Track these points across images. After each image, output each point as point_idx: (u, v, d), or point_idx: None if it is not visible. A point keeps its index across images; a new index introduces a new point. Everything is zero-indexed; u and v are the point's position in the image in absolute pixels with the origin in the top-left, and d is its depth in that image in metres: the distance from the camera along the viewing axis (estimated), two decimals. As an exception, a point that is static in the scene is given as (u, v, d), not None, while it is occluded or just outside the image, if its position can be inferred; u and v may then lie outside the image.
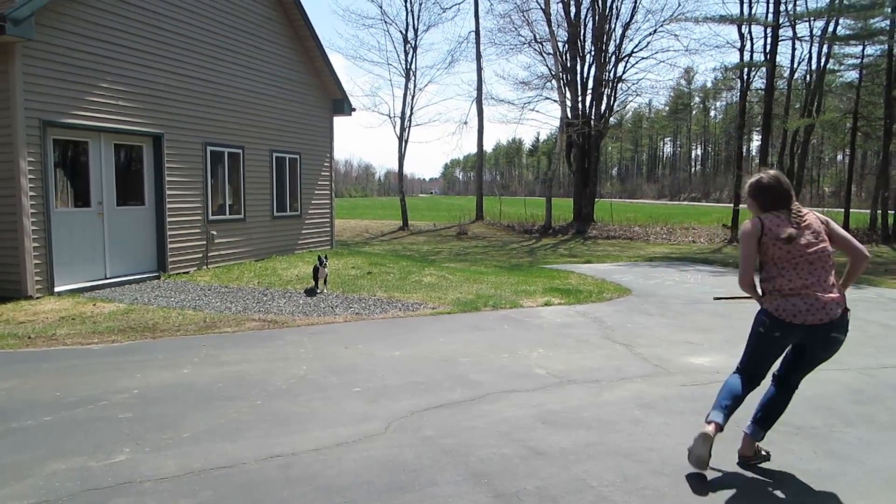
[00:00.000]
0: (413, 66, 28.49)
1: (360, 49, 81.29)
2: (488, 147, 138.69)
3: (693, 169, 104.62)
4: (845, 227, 27.15)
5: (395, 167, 31.36)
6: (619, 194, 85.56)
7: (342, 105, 15.99)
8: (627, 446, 3.96)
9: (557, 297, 9.63)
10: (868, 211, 28.07)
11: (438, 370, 5.64)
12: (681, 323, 7.94)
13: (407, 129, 28.49)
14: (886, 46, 26.50)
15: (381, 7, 56.73)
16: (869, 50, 29.14)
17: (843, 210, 28.96)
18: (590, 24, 28.82)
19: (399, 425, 4.29)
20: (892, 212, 25.19)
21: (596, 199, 31.27)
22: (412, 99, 28.52)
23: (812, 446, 4.00)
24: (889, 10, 25.72)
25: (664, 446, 3.96)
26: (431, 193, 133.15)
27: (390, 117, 29.34)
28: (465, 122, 39.34)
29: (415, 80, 28.57)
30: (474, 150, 34.59)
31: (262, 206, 13.54)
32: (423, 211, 43.81)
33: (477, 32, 31.17)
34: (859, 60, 30.15)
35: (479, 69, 31.11)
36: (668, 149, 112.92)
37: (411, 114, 28.58)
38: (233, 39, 12.37)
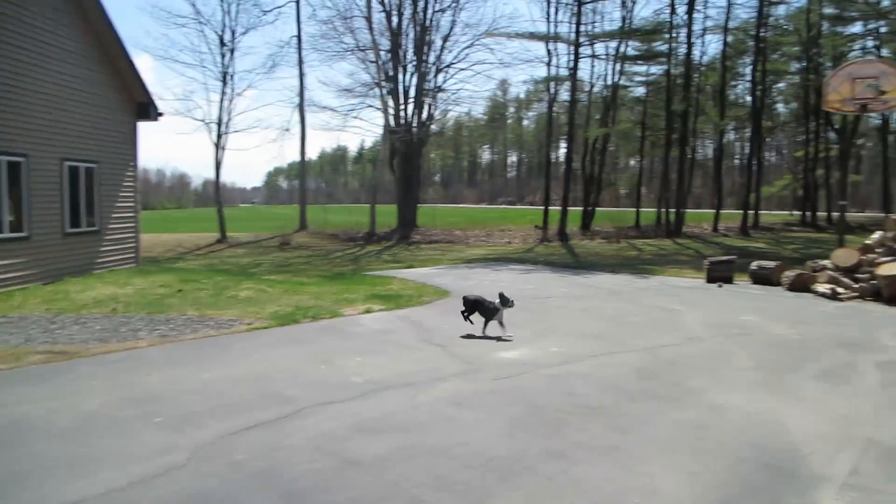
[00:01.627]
0: (231, 70, 27.40)
1: (172, 50, 75.61)
2: (312, 155, 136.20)
3: (509, 174, 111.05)
4: (636, 224, 30.38)
5: (213, 176, 29.77)
6: (442, 199, 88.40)
7: (148, 109, 14.79)
8: (441, 445, 4.07)
9: (378, 303, 9.68)
10: (655, 209, 31.62)
11: (251, 389, 5.40)
12: (510, 320, 8.33)
13: (224, 136, 27.27)
14: (666, 67, 30.12)
15: (194, 5, 53.18)
16: (653, 69, 32.98)
17: (635, 209, 32.40)
18: (411, 35, 29.54)
19: (206, 453, 4.03)
20: (673, 210, 28.57)
21: (419, 205, 32.02)
22: (230, 104, 27.35)
23: (602, 423, 4.39)
24: (667, 35, 29.31)
25: (475, 440, 4.12)
26: (253, 203, 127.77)
27: (206, 123, 27.73)
28: (288, 129, 38.18)
29: (232, 85, 27.47)
30: (298, 157, 33.95)
31: (50, 221, 12.08)
32: (244, 222, 41.93)
33: (299, 38, 30.64)
34: (645, 78, 34.00)
35: (302, 75, 30.59)
36: (486, 155, 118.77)
37: (229, 119, 27.42)
38: (13, 33, 10.91)
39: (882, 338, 6.84)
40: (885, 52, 33.72)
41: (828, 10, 33.39)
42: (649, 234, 27.14)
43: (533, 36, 28.26)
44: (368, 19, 26.75)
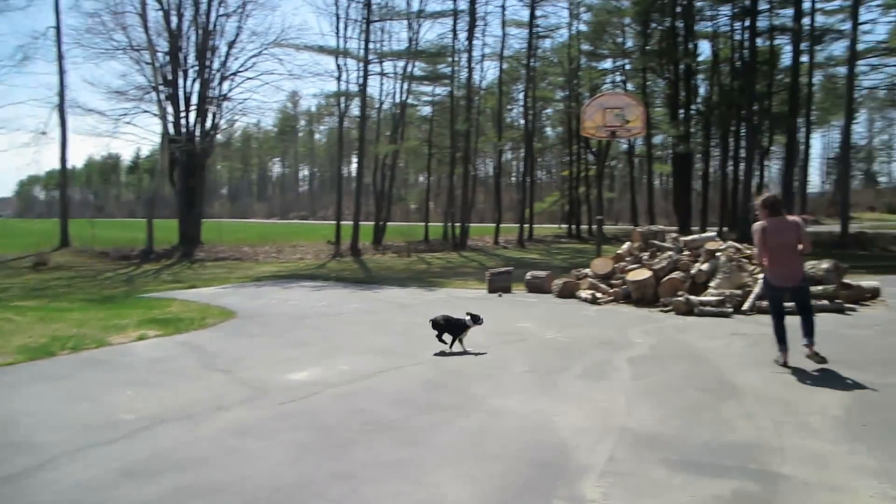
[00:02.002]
0: (-38, 63, 23.28)
1: None
2: (77, 162, 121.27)
3: (301, 188, 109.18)
4: (425, 238, 31.57)
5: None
6: (230, 214, 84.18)
7: None
8: (223, 480, 3.79)
9: (155, 328, 8.86)
10: (442, 224, 33.12)
11: (-12, 438, 4.60)
12: (284, 341, 8.07)
13: (-45, 141, 23.13)
14: (450, 88, 31.77)
15: None
16: (438, 90, 34.58)
17: (424, 223, 33.64)
18: (193, 38, 27.69)
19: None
20: (459, 224, 30.15)
21: (204, 220, 30.10)
22: (-39, 103, 23.25)
23: (391, 438, 4.43)
24: (450, 59, 30.95)
25: (260, 470, 3.91)
26: (0, 216, 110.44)
27: (-71, 124, 23.41)
28: (45, 132, 33.35)
29: (-35, 81, 23.37)
30: (59, 164, 29.91)
31: None
32: (-12, 241, 36.04)
33: (58, 29, 27.16)
34: (431, 98, 35.55)
35: (62, 72, 27.17)
36: (277, 169, 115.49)
37: (-39, 121, 23.27)
38: None
39: (632, 336, 7.81)
40: (630, 86, 39.09)
41: (585, 47, 37.82)
42: (437, 248, 28.34)
43: (323, 50, 28.14)
44: (143, 17, 24.65)
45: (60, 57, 27.13)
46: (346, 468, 3.93)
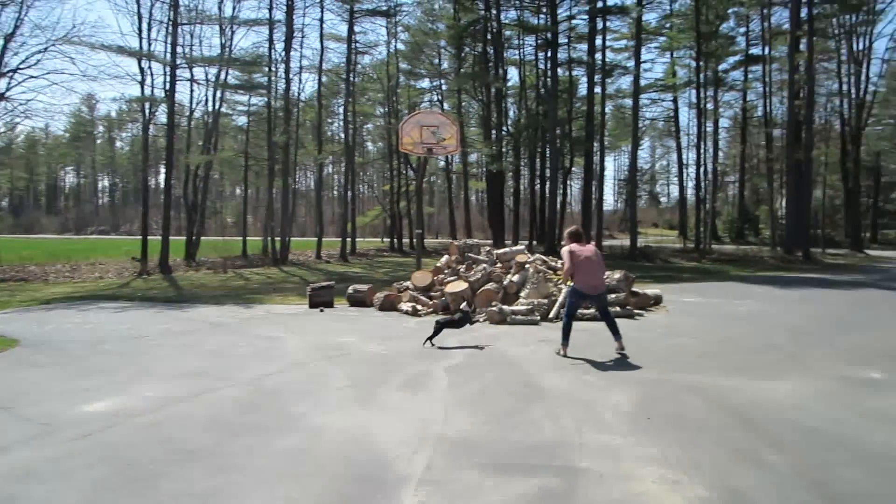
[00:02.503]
0: None
1: None
2: None
3: (101, 201, 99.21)
4: (244, 253, 30.26)
5: None
6: (11, 230, 74.15)
7: None
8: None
9: None
10: (262, 238, 31.93)
11: None
12: (78, 369, 7.26)
13: None
14: (267, 99, 30.77)
15: None
16: (255, 100, 33.34)
17: (241, 238, 32.18)
18: (-44, 29, 23.97)
19: None
20: (279, 239, 29.29)
21: (-24, 237, 26.18)
22: None
23: (203, 466, 4.16)
24: (267, 69, 30.00)
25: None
26: None
27: None
28: None
29: None
30: None
31: None
32: None
33: None
34: (247, 108, 34.18)
35: None
36: (71, 178, 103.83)
37: None
38: None
39: (449, 346, 8.10)
40: (447, 105, 40.76)
41: (403, 65, 38.82)
42: (257, 263, 27.23)
43: (123, 51, 25.78)
44: None
45: None
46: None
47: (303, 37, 33.10)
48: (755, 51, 40.28)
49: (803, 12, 29.12)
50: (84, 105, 78.26)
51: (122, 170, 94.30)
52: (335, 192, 68.76)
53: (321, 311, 11.81)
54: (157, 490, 3.81)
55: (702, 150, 36.85)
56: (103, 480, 3.98)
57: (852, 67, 38.47)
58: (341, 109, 37.86)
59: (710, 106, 36.88)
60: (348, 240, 32.78)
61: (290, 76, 30.62)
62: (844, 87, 39.29)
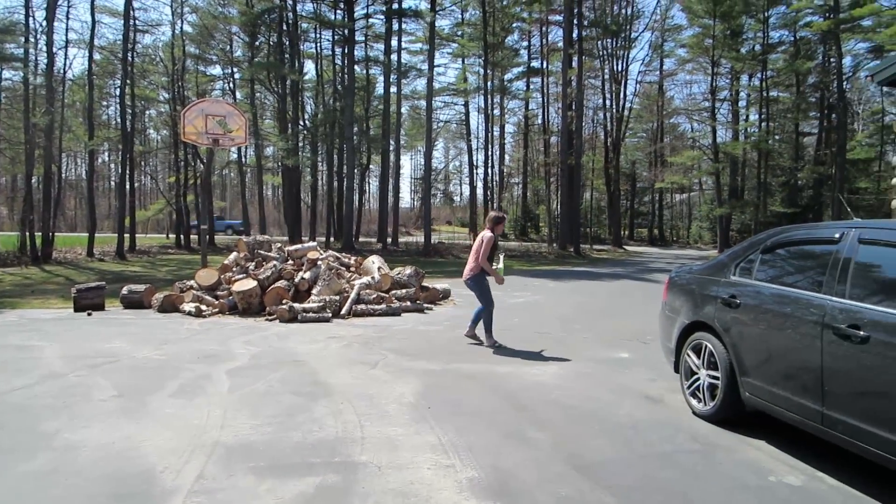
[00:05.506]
0: None
1: None
2: None
3: None
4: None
5: None
6: None
7: None
8: None
9: None
10: (17, 233, 27.82)
11: None
12: None
13: None
14: (24, 74, 26.84)
15: None
16: (8, 73, 28.89)
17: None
18: None
19: None
20: (39, 234, 25.83)
21: None
22: None
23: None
24: (23, 39, 26.16)
25: None
26: None
27: None
28: None
29: None
30: None
31: None
32: None
33: None
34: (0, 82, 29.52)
35: None
36: None
37: None
38: None
39: (234, 347, 7.73)
40: (239, 95, 38.85)
41: (191, 49, 36.19)
42: (11, 262, 23.65)
43: None
44: None
45: None
46: None
47: (69, 6, 29.42)
48: (536, 64, 44.05)
49: (574, 33, 32.45)
50: None
51: None
52: (112, 183, 62.11)
53: (89, 314, 10.60)
54: None
55: (489, 153, 39.32)
56: None
57: (613, 86, 43.73)
58: (118, 92, 34.15)
59: (496, 112, 39.57)
60: (126, 236, 29.77)
61: (54, 50, 27.04)
62: (608, 103, 44.63)
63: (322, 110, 36.82)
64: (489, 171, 39.28)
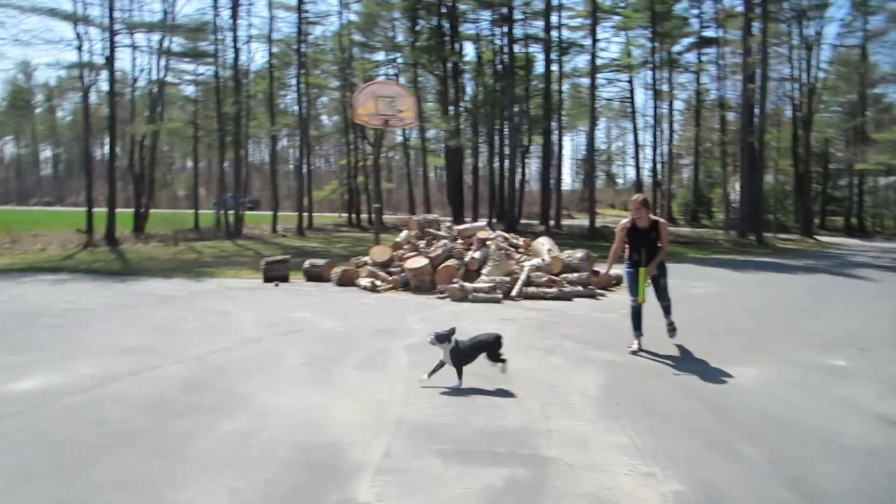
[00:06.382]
0: None
1: None
2: None
3: (44, 172, 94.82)
4: (196, 226, 29.31)
5: None
6: (-53, 201, 70.28)
7: None
8: None
9: None
10: (215, 211, 30.91)
11: None
12: (7, 344, 6.72)
13: None
14: (215, 68, 29.58)
15: None
16: (202, 69, 31.98)
17: (194, 210, 31.11)
18: None
19: None
20: (233, 212, 28.40)
21: None
22: None
23: (138, 451, 3.79)
24: (213, 36, 28.78)
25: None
26: None
27: None
28: None
29: None
30: None
31: None
32: None
33: None
34: (195, 77, 32.80)
35: None
36: (11, 149, 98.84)
37: None
38: None
39: (410, 323, 7.81)
40: (402, 79, 40.00)
41: (357, 37, 37.81)
42: (209, 237, 26.34)
43: (56, 14, 24.28)
44: None
45: None
46: (77, 493, 3.27)
47: (250, 4, 31.89)
48: (709, 33, 40.60)
49: (756, -6, 29.30)
50: (20, 72, 74.09)
51: (65, 140, 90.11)
52: (290, 166, 67.20)
53: (276, 285, 11.36)
54: (84, 477, 3.44)
55: (657, 132, 37.02)
56: (25, 466, 3.59)
57: (803, 52, 39.12)
58: (294, 81, 36.61)
59: (665, 87, 37.05)
60: (305, 214, 32.00)
61: (239, 45, 29.50)
62: (796, 72, 39.98)
63: (482, 91, 36.86)
64: (656, 151, 37.06)
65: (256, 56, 67.11)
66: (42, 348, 6.54)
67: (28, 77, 76.75)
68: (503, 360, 5.29)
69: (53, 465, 3.61)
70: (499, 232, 12.08)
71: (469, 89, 40.50)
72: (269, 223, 30.89)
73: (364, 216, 39.15)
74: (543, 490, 3.34)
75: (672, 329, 6.64)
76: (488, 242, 10.88)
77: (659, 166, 42.19)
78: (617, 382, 5.37)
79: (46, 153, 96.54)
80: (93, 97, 29.23)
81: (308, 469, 3.54)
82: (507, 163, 32.49)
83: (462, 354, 5.16)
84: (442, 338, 5.12)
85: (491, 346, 5.27)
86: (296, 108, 38.87)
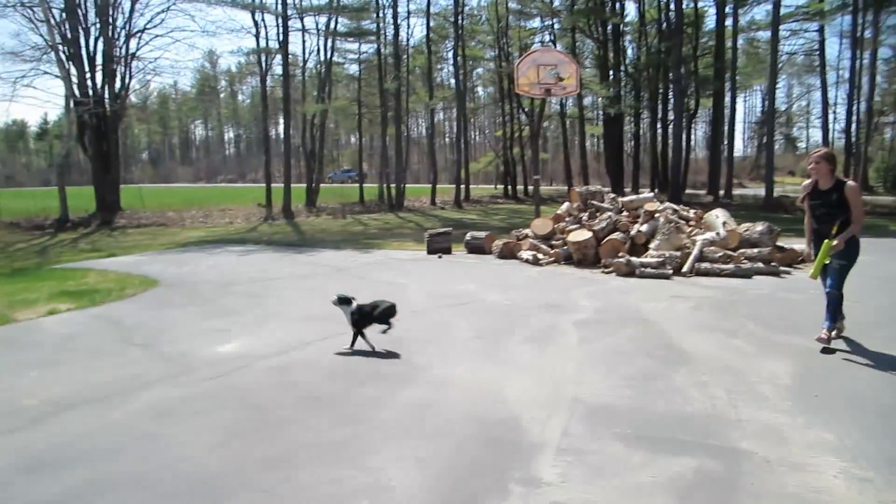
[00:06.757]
0: None
1: None
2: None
3: (228, 151, 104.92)
4: (360, 200, 30.86)
5: None
6: (153, 179, 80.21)
7: None
8: (138, 472, 3.37)
9: (67, 301, 8.13)
10: (377, 185, 32.41)
11: None
12: (211, 310, 7.54)
13: None
14: (377, 46, 30.69)
15: None
16: (364, 47, 33.37)
17: (358, 185, 32.81)
18: (90, -8, 25.48)
19: None
20: (394, 185, 29.56)
21: (123, 186, 28.39)
22: None
23: (330, 415, 4.07)
24: (375, 14, 29.81)
25: (180, 458, 3.50)
26: None
27: None
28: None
29: None
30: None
31: None
32: None
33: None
34: (358, 56, 34.31)
35: (-57, 28, 24.49)
36: (200, 131, 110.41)
37: None
38: None
39: (575, 298, 7.65)
40: (559, 46, 38.91)
41: (513, 5, 37.23)
42: (373, 209, 27.74)
43: (236, 3, 26.48)
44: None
45: (-58, 14, 24.51)
46: (279, 452, 3.57)
47: (410, -20, 32.47)
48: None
49: None
50: (206, 60, 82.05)
51: (245, 121, 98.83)
52: (446, 140, 68.56)
53: (439, 257, 11.67)
54: (286, 438, 3.74)
55: (854, 86, 32.78)
56: (234, 424, 3.98)
57: None
58: (450, 54, 37.05)
59: (868, 34, 32.39)
60: (462, 186, 32.58)
61: (399, 21, 30.33)
62: None
63: (644, 53, 34.89)
64: (852, 108, 32.82)
65: (415, 31, 69.16)
66: (238, 314, 7.25)
67: (213, 65, 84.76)
68: (390, 325, 5.58)
69: (259, 424, 3.97)
70: (667, 203, 11.41)
71: (630, 52, 38.56)
72: (427, 196, 31.84)
73: (520, 188, 39.02)
74: (738, 485, 3.10)
75: (830, 334, 5.40)
76: (657, 215, 10.34)
77: (853, 126, 37.52)
78: (812, 372, 4.85)
79: (229, 134, 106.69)
80: (268, 80, 31.53)
81: (488, 444, 3.59)
82: (671, 128, 30.62)
83: (363, 318, 5.51)
84: (344, 300, 5.53)
85: (390, 313, 5.57)
86: (452, 81, 39.43)
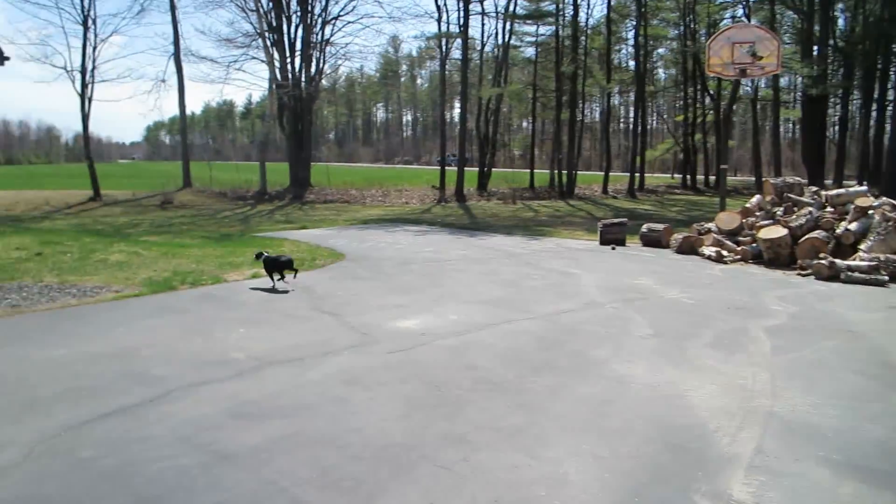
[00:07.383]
0: (92, 13, 24.41)
1: (20, -11, 67.89)
2: (196, 108, 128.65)
3: (405, 133, 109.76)
4: (531, 185, 30.75)
5: (81, 128, 26.86)
6: (337, 158, 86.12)
7: (-11, 52, 12.91)
8: (329, 432, 3.65)
9: (266, 268, 9.01)
10: (548, 171, 32.10)
11: (113, 368, 4.71)
12: (391, 285, 7.95)
13: (90, 85, 24.51)
14: (554, 28, 30.20)
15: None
16: (542, 30, 32.99)
17: (529, 170, 32.74)
18: (294, -17, 27.76)
19: (46, 448, 3.40)
20: (565, 172, 29.09)
21: (313, 164, 30.80)
22: (94, 51, 24.54)
23: (505, 400, 4.11)
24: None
25: (366, 424, 3.73)
26: (133, 159, 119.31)
27: (67, 71, 24.72)
28: (164, 80, 34.62)
29: (95, 30, 24.56)
30: (178, 111, 31.22)
31: None
32: (122, 178, 38.73)
33: (168, -21, 27.89)
34: (535, 38, 34.01)
35: (175, 21, 27.98)
36: (381, 114, 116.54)
37: (94, 68, 24.60)
38: None
39: (767, 301, 7.04)
40: (753, 20, 35.60)
41: (703, -22, 34.62)
42: (543, 196, 27.57)
43: (420, -12, 27.41)
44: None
45: (173, 7, 27.84)
46: (458, 430, 3.67)
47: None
48: None
49: None
50: (390, 45, 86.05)
51: (422, 105, 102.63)
52: (621, 125, 66.12)
53: (612, 248, 11.32)
54: (464, 417, 3.84)
55: None
56: (414, 398, 4.16)
57: None
58: (631, 34, 35.48)
59: None
60: (636, 174, 31.27)
61: (578, 1, 29.51)
62: None
63: (861, 23, 30.79)
64: None
65: (594, 11, 67.21)
66: (417, 291, 7.56)
67: (396, 49, 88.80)
68: (295, 272, 8.03)
69: (438, 401, 4.12)
70: (885, 199, 10.05)
71: (841, 23, 34.22)
72: (599, 183, 30.98)
73: (700, 177, 36.64)
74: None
75: None
76: (870, 212, 9.16)
77: None
78: None
79: (407, 117, 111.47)
80: (447, 64, 32.34)
81: (670, 450, 3.42)
82: (890, 111, 26.86)
83: (269, 264, 7.81)
84: (258, 255, 7.96)
85: (288, 264, 7.89)
86: (631, 63, 37.81)
